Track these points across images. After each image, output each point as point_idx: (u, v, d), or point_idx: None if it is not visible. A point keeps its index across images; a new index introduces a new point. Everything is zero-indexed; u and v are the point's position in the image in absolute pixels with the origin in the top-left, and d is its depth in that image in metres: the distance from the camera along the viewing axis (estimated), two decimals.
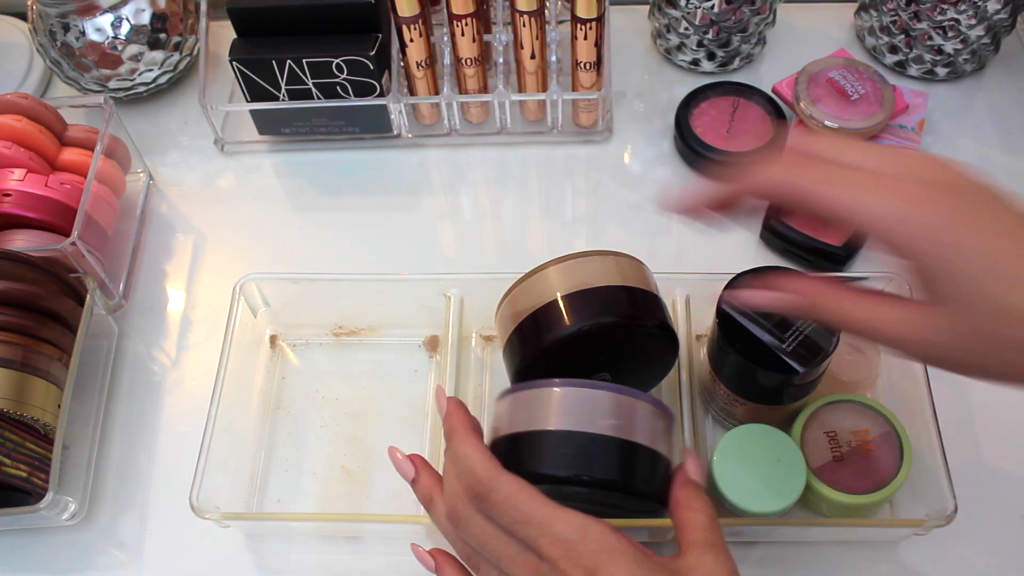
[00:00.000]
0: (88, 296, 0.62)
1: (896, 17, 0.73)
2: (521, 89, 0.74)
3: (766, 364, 0.51)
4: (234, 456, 0.59)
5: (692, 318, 0.60)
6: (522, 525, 0.40)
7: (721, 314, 0.52)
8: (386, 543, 0.58)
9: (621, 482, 0.44)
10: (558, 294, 0.49)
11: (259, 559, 0.58)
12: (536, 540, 0.40)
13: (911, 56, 0.75)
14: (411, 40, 0.69)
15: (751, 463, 0.53)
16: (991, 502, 0.57)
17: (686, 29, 0.75)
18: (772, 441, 0.54)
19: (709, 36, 0.75)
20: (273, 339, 0.66)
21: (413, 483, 0.47)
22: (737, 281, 0.53)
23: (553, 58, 0.73)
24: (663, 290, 0.59)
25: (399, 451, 0.48)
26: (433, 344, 0.65)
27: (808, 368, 0.50)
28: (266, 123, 0.75)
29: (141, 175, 0.75)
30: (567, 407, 0.44)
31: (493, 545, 0.42)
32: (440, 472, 0.46)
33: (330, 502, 0.60)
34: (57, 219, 0.64)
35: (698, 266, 0.68)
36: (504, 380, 0.62)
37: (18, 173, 0.64)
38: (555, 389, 0.45)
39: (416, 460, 0.47)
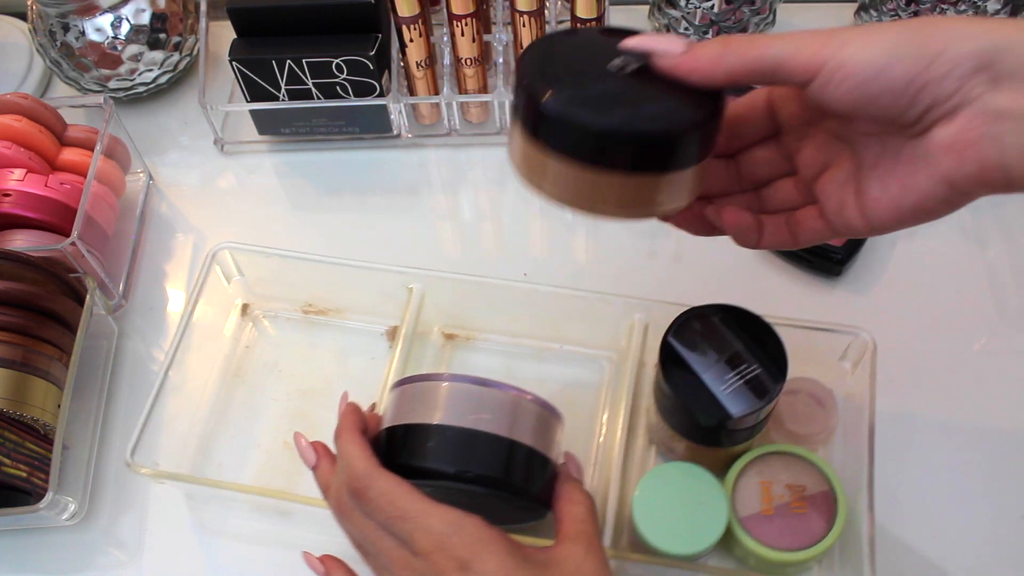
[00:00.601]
0: (88, 296, 0.62)
1: (896, 17, 0.73)
2: None
3: (700, 404, 0.49)
4: (185, 416, 0.61)
5: (648, 346, 0.59)
6: (396, 520, 0.41)
7: (665, 347, 0.51)
8: (314, 522, 0.58)
9: (500, 479, 0.44)
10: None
11: (199, 519, 0.60)
12: (410, 535, 0.41)
13: None
14: (411, 40, 0.69)
15: (672, 502, 0.52)
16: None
17: (686, 29, 0.75)
18: (698, 483, 0.53)
19: (709, 36, 0.75)
20: (245, 308, 0.67)
21: (313, 469, 0.48)
22: (682, 319, 0.51)
23: None
24: (622, 314, 0.59)
25: (304, 437, 0.49)
26: (394, 334, 0.65)
27: (742, 414, 0.49)
28: (266, 123, 0.75)
29: (141, 175, 0.75)
30: (450, 402, 0.44)
31: (372, 538, 0.43)
32: None
33: (268, 474, 0.60)
34: (57, 219, 0.64)
35: (697, 266, 0.68)
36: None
37: (18, 173, 0.64)
38: (442, 384, 0.45)
39: (318, 448, 0.48)
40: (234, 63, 0.70)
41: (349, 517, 0.44)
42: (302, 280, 0.65)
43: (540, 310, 0.62)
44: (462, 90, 0.74)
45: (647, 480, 0.53)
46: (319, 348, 0.66)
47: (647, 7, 0.78)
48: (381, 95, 0.72)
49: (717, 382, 0.49)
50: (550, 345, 0.64)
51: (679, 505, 0.52)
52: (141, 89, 0.78)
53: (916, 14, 0.72)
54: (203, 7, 0.76)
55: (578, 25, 0.67)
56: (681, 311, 0.52)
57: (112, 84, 0.76)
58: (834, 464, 0.56)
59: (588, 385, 0.63)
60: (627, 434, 0.56)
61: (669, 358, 0.50)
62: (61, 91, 0.82)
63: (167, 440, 0.58)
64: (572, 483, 0.46)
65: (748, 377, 0.49)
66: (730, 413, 0.48)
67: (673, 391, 0.50)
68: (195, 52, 0.80)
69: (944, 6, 0.70)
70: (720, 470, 0.54)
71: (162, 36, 0.75)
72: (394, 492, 0.42)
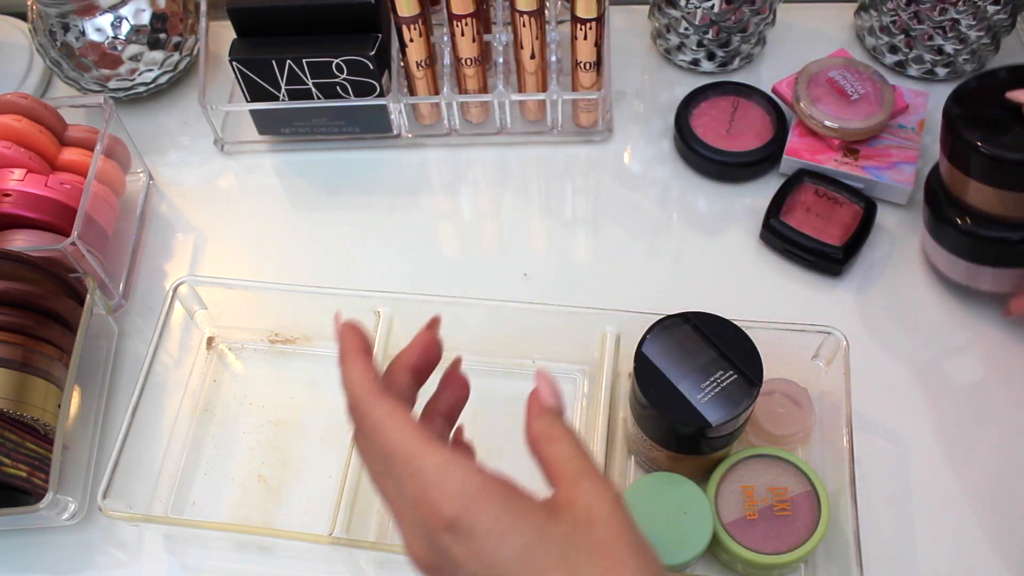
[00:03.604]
0: (88, 296, 0.62)
1: (896, 17, 0.73)
2: (521, 89, 0.74)
3: (678, 414, 0.49)
4: (156, 455, 0.60)
5: (621, 356, 0.59)
6: (386, 458, 0.36)
7: (639, 359, 0.50)
8: (295, 557, 0.58)
9: None
10: None
11: (181, 561, 0.59)
12: (399, 477, 0.36)
13: (911, 56, 0.75)
14: (411, 40, 0.69)
15: (657, 513, 0.52)
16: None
17: (686, 29, 0.75)
18: (681, 492, 0.53)
19: (709, 36, 0.75)
20: (210, 340, 0.66)
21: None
22: (654, 329, 0.51)
23: (553, 58, 0.73)
24: (593, 326, 0.58)
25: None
26: None
27: (720, 421, 0.48)
28: (266, 123, 0.75)
29: (141, 175, 0.75)
30: None
31: (373, 474, 0.39)
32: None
33: (244, 510, 0.59)
34: (57, 219, 0.64)
35: (697, 266, 0.68)
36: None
37: (18, 173, 0.64)
38: None
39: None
40: (234, 63, 0.70)
41: (358, 446, 0.39)
42: (267, 309, 0.64)
43: (509, 326, 0.61)
44: (462, 90, 0.74)
45: (630, 493, 0.53)
46: (288, 378, 0.65)
47: (647, 7, 0.78)
48: (381, 95, 0.72)
49: (693, 390, 0.49)
50: (522, 361, 0.63)
51: (664, 516, 0.52)
52: (141, 89, 0.78)
53: (916, 14, 0.72)
54: (203, 7, 0.76)
55: (578, 26, 0.67)
56: (653, 320, 0.52)
57: (112, 84, 0.76)
58: (815, 463, 0.56)
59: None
60: (606, 447, 0.55)
61: (643, 369, 0.50)
62: (61, 91, 0.82)
63: (139, 481, 0.57)
64: (547, 418, 0.39)
65: (724, 384, 0.49)
66: (708, 422, 0.48)
67: (650, 402, 0.49)
68: (195, 52, 0.80)
69: (944, 6, 0.70)
70: (701, 477, 0.54)
71: (162, 36, 0.75)
72: (386, 424, 0.36)
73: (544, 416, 0.39)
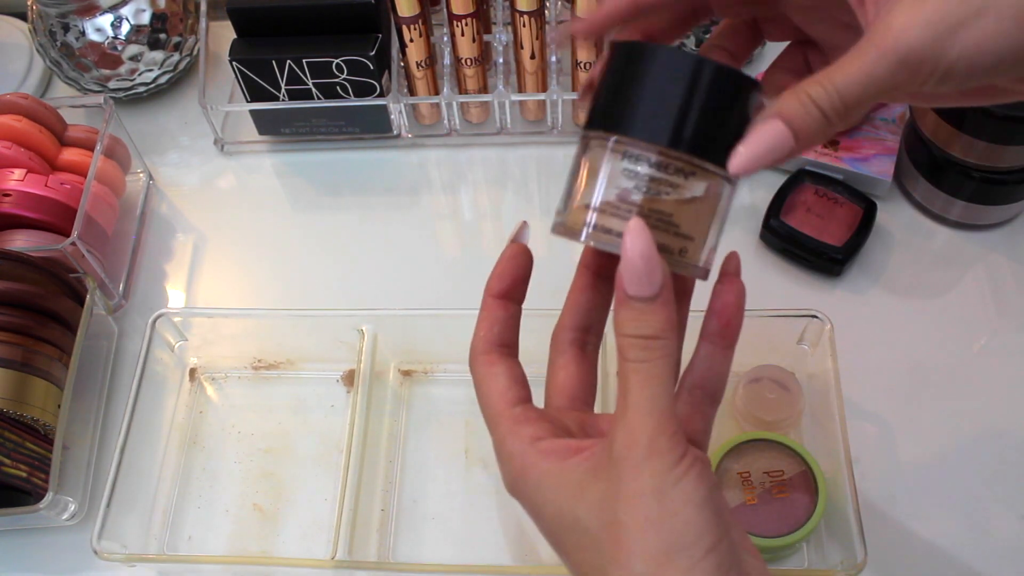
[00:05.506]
0: (88, 296, 0.62)
1: None
2: (521, 89, 0.74)
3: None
4: (147, 492, 0.59)
5: (608, 356, 0.57)
6: (482, 409, 0.38)
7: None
8: None
9: None
10: None
11: None
12: (488, 426, 0.37)
13: None
14: (411, 40, 0.69)
15: None
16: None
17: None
18: None
19: (709, 35, 0.75)
20: (193, 372, 0.65)
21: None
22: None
23: (553, 58, 0.73)
24: None
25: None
26: (351, 379, 0.63)
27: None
28: (266, 123, 0.75)
29: (141, 175, 0.75)
30: None
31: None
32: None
33: (241, 540, 0.59)
34: (57, 219, 0.64)
35: None
36: (421, 415, 0.61)
37: (18, 173, 0.64)
38: None
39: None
40: (234, 63, 0.70)
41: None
42: (248, 335, 0.63)
43: None
44: (462, 90, 0.74)
45: None
46: (274, 404, 0.64)
47: None
48: (381, 95, 0.72)
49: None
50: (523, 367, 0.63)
51: None
52: (141, 89, 0.78)
53: None
54: (203, 7, 0.76)
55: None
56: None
57: (112, 84, 0.76)
58: (807, 445, 0.56)
59: None
60: None
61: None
62: (61, 91, 0.82)
63: (132, 520, 0.57)
64: (633, 308, 0.32)
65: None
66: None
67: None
68: (195, 52, 0.80)
69: None
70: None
71: (162, 36, 0.75)
72: (481, 385, 0.38)
73: (629, 306, 0.32)
